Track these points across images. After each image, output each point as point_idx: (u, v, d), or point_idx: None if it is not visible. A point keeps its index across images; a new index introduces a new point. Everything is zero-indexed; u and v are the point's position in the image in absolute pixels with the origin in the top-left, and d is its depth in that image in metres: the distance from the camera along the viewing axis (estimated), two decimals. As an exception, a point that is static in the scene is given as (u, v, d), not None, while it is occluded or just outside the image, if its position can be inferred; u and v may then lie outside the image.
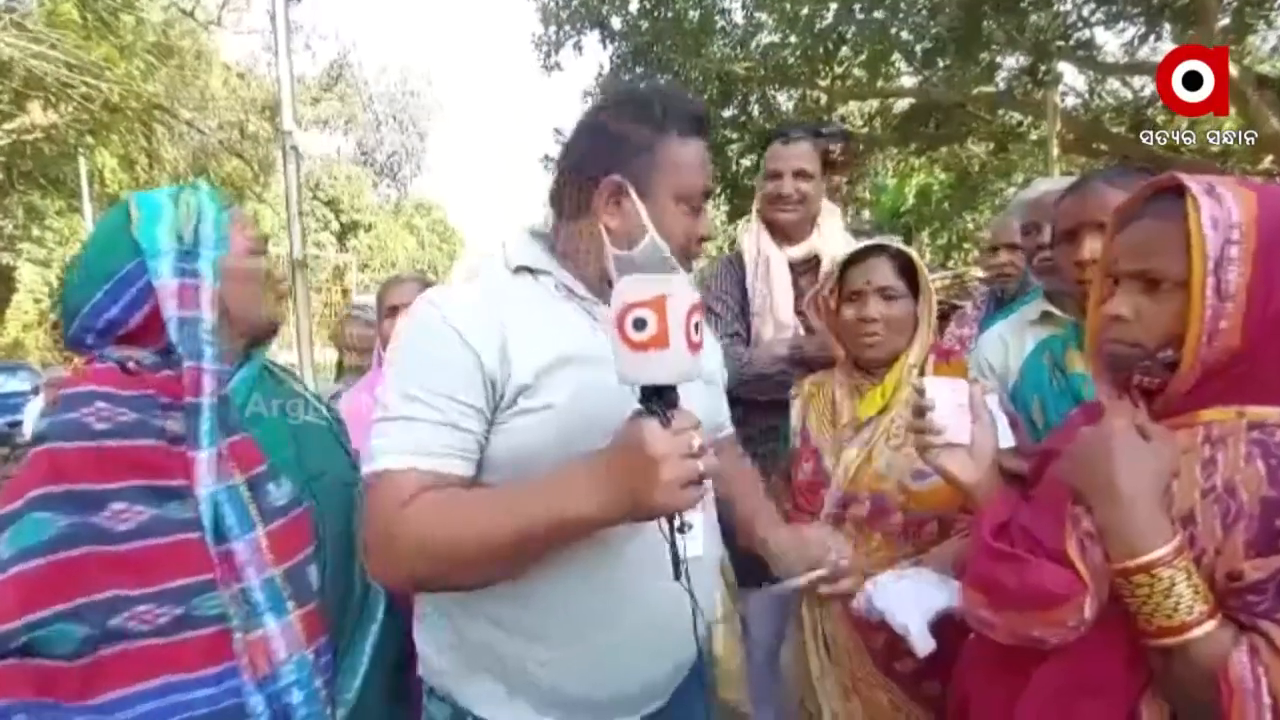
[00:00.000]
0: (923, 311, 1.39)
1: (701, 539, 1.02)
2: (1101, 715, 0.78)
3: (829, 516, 1.34)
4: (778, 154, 1.93)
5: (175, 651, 0.91)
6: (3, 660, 0.81)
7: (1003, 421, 1.12)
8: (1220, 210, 0.76)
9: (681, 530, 0.80)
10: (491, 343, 0.89)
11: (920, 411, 1.04)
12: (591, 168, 0.98)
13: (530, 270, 1.00)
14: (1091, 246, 1.24)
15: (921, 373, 1.35)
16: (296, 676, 0.96)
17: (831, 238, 1.98)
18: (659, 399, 0.77)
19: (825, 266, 1.85)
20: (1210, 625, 0.69)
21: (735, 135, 9.96)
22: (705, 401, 1.06)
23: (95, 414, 0.92)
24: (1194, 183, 0.78)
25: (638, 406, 0.79)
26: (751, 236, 1.98)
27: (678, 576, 0.80)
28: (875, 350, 1.36)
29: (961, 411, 1.02)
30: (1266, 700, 0.64)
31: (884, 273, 1.36)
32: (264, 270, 1.13)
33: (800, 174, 1.90)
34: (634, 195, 0.97)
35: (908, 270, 1.38)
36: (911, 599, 1.10)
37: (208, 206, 1.06)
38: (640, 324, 0.74)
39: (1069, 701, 0.81)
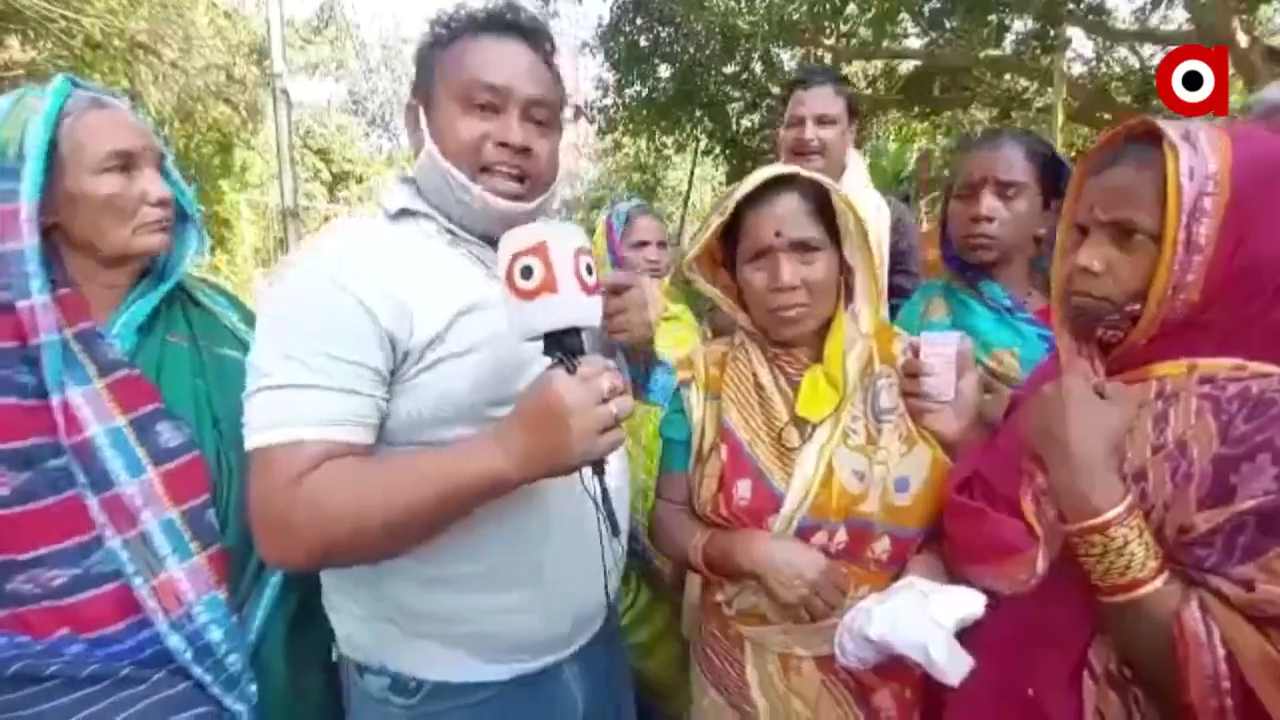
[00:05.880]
0: (857, 259, 1.07)
1: (616, 473, 0.98)
2: (1056, 661, 0.80)
3: None
4: (799, 99, 1.85)
5: (76, 611, 0.87)
6: None
7: None
8: (1197, 159, 0.73)
9: (601, 472, 0.78)
10: (385, 297, 0.81)
11: (914, 373, 1.01)
12: (410, 100, 0.95)
13: (411, 214, 0.93)
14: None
15: (888, 343, 1.12)
16: (212, 616, 0.93)
17: (852, 192, 1.81)
18: (561, 347, 0.75)
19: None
20: (1160, 581, 0.71)
21: (736, 94, 9.74)
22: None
23: None
24: (1171, 129, 0.75)
25: (548, 362, 0.76)
26: None
27: (615, 533, 0.80)
28: (797, 327, 1.06)
29: (950, 367, 0.99)
30: (1220, 651, 0.67)
31: (798, 219, 1.02)
32: (120, 192, 0.93)
33: (822, 120, 1.81)
34: (422, 114, 0.93)
35: (824, 208, 1.05)
36: (916, 614, 0.86)
37: (40, 113, 0.87)
38: (527, 272, 0.73)
39: (1025, 648, 0.83)
